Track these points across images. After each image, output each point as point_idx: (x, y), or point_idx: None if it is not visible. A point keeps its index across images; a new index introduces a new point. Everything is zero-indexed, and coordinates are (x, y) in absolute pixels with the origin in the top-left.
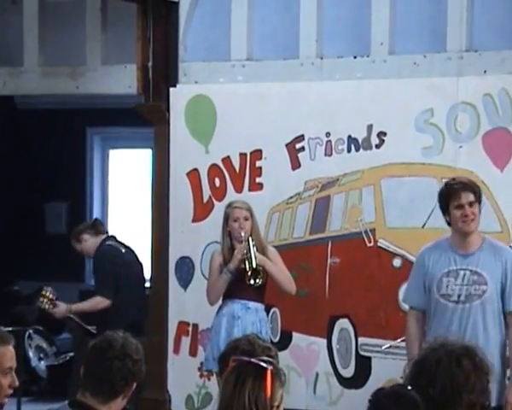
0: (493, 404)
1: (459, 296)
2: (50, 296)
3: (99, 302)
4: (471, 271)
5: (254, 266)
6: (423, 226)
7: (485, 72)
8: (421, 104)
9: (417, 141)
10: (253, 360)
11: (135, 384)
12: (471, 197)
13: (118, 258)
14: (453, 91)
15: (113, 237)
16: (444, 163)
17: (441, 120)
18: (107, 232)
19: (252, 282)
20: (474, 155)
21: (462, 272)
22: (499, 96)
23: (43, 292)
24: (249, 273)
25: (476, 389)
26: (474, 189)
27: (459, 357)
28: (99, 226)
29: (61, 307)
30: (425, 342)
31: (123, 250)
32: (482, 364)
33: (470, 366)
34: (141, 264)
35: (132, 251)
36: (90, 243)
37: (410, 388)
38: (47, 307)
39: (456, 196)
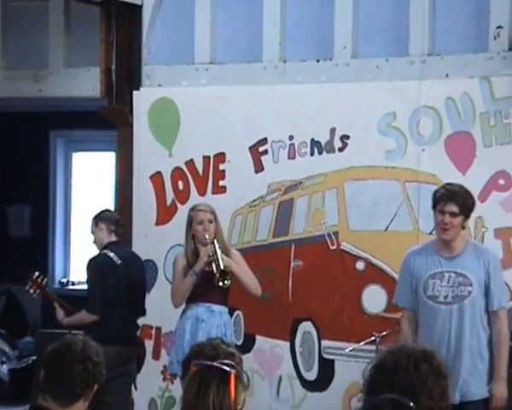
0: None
1: (445, 297)
2: (38, 281)
3: (85, 317)
4: (456, 273)
5: (222, 267)
6: (386, 229)
7: (447, 76)
8: (383, 108)
9: (380, 144)
10: (215, 363)
11: (96, 387)
12: (454, 209)
13: (108, 272)
14: (415, 95)
15: (117, 243)
16: (406, 166)
17: (404, 124)
18: (121, 235)
19: (220, 283)
20: (436, 159)
21: (447, 275)
22: (461, 100)
23: (33, 277)
24: (217, 275)
25: (434, 393)
26: (460, 202)
27: (417, 361)
28: (119, 228)
29: (59, 315)
30: (385, 346)
31: (118, 262)
32: (440, 368)
33: (428, 370)
34: (138, 275)
35: (131, 260)
36: (102, 235)
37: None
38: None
39: (441, 202)
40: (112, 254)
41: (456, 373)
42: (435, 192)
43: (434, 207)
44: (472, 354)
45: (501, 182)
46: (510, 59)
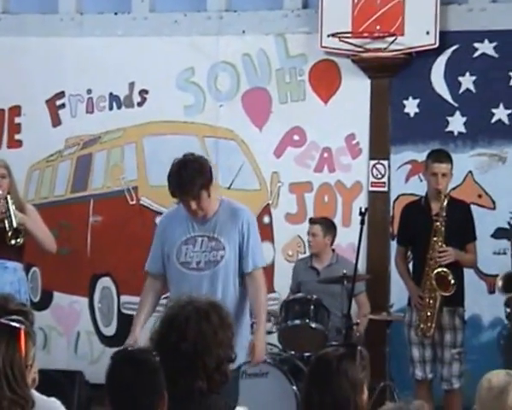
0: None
1: (198, 263)
2: None
3: None
4: (209, 237)
5: (15, 225)
6: None
7: (243, 32)
8: (182, 63)
9: (179, 99)
10: (3, 320)
11: None
12: (188, 199)
13: None
14: (213, 51)
15: None
16: (205, 122)
17: (202, 79)
18: None
19: (13, 242)
20: (233, 114)
21: (199, 239)
22: (258, 57)
23: None
24: (10, 233)
25: (224, 343)
26: (190, 190)
27: (207, 312)
28: None
29: None
30: (169, 300)
31: None
32: (227, 318)
33: (217, 320)
34: None
35: None
36: None
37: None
38: None
39: (176, 196)
40: None
41: None
42: (169, 177)
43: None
44: None
45: (296, 138)
46: (304, 17)
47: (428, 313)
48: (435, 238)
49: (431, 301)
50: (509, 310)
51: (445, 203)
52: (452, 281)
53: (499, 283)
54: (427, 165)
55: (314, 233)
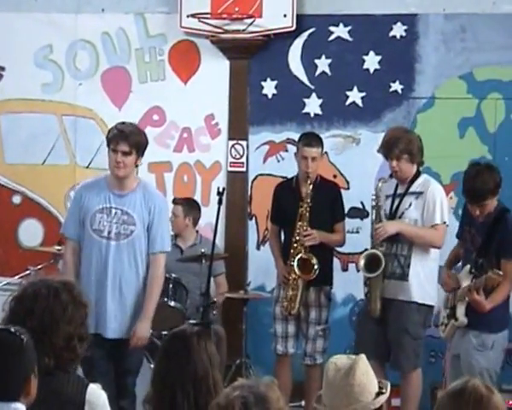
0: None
1: (109, 233)
2: None
3: None
4: (122, 210)
5: None
6: (43, 163)
7: (103, 10)
8: (40, 40)
9: (37, 77)
10: None
11: None
12: (126, 148)
13: None
14: (72, 28)
15: None
16: (64, 100)
17: (60, 57)
18: None
19: None
20: (93, 93)
21: (114, 211)
22: (117, 36)
23: None
24: None
25: (74, 320)
26: (132, 142)
27: (57, 290)
28: None
29: None
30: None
31: None
32: (80, 297)
33: (68, 298)
34: None
35: None
36: None
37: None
38: None
39: (114, 141)
40: None
41: (103, 308)
42: (108, 131)
43: (108, 145)
44: (127, 291)
45: (155, 117)
46: None
47: (292, 293)
48: (300, 223)
49: (295, 282)
50: (367, 289)
51: (311, 189)
52: (315, 266)
53: (361, 262)
54: (298, 148)
55: (175, 214)
